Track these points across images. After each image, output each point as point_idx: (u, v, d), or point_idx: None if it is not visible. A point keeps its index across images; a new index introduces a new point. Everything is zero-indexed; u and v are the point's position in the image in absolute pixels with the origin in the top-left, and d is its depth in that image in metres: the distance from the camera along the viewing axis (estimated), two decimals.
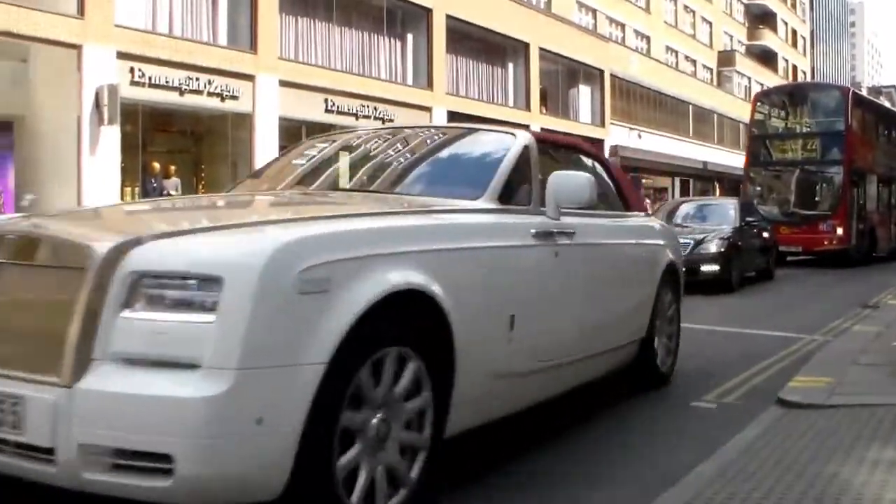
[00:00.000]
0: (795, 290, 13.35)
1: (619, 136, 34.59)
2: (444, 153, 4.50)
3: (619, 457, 3.95)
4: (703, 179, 42.62)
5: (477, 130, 4.81)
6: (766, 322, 8.84)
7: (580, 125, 33.05)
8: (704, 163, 40.91)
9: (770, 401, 4.65)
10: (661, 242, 5.56)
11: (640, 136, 36.22)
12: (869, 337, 6.96)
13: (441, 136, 4.82)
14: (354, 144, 4.85)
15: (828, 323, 8.64)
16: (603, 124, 34.15)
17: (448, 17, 25.38)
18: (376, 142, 4.76)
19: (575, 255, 4.12)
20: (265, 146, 19.10)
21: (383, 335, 2.78)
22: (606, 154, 33.29)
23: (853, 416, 4.19)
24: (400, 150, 4.59)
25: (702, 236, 12.60)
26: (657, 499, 3.04)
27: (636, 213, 5.55)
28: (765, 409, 4.46)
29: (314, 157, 4.81)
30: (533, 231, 3.76)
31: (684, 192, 40.22)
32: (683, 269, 6.10)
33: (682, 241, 12.02)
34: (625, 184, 5.58)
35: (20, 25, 15.03)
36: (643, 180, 36.07)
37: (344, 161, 4.60)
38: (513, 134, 4.22)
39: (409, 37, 25.01)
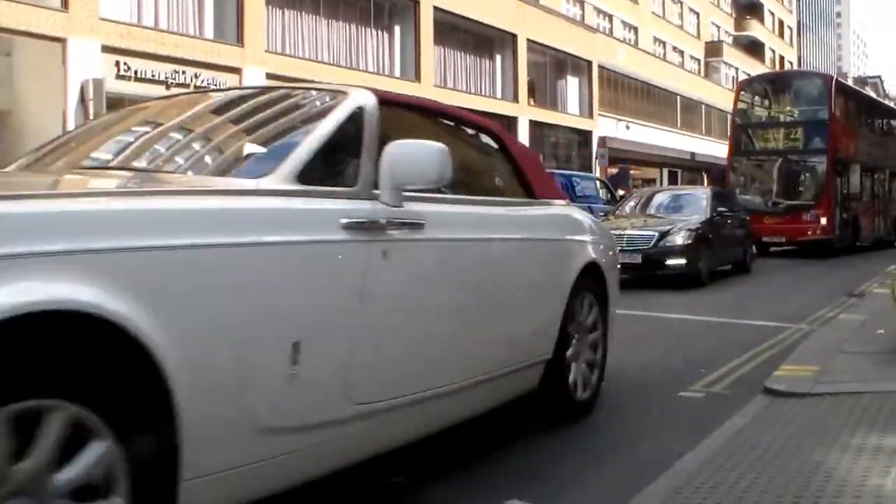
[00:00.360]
0: (772, 283, 13.10)
1: (607, 127, 34.64)
2: (251, 120, 3.31)
3: (607, 447, 3.97)
4: (691, 170, 42.78)
5: (303, 90, 3.72)
6: (752, 312, 8.89)
7: (568, 116, 33.10)
8: (692, 153, 41.07)
9: (757, 390, 4.68)
10: (580, 238, 4.49)
11: (628, 128, 36.31)
12: (854, 325, 7.01)
13: (259, 99, 3.65)
14: (152, 114, 3.73)
15: (813, 312, 8.70)
16: (591, 115, 34.18)
17: (435, 8, 25.35)
18: (177, 109, 3.67)
19: (422, 255, 3.13)
20: None
21: (13, 382, 1.80)
22: (594, 146, 33.41)
23: (839, 404, 4.23)
24: (199, 119, 3.45)
25: (667, 228, 11.91)
26: (645, 489, 3.07)
27: (546, 201, 4.39)
28: (752, 398, 4.49)
29: (101, 129, 3.79)
30: (344, 221, 2.68)
31: (673, 182, 40.35)
32: (618, 268, 5.10)
33: (646, 233, 11.76)
34: (528, 165, 4.40)
35: (3, 19, 14.92)
36: (631, 171, 36.19)
37: (125, 133, 3.51)
38: (343, 93, 3.17)
39: (397, 29, 24.97)
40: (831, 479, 3.06)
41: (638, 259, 11.41)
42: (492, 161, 4.38)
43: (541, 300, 4.06)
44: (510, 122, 28.91)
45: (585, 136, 33.75)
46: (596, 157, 33.32)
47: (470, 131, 4.29)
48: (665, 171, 41.08)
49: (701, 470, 3.21)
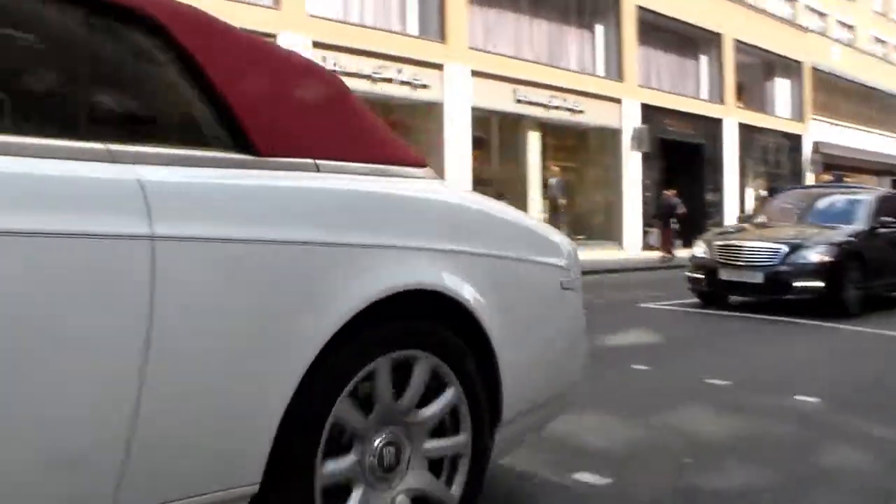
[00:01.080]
0: None
1: (819, 131, 32.09)
2: None
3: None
4: None
5: None
6: None
7: (777, 119, 31.00)
8: None
9: None
10: (386, 242, 2.15)
11: (843, 133, 33.51)
12: None
13: None
14: None
15: None
16: (802, 119, 31.78)
17: (638, 7, 24.25)
18: None
19: None
20: (455, 136, 18.87)
21: None
22: (805, 151, 30.93)
23: None
24: None
25: (800, 241, 9.46)
26: None
27: (297, 161, 2.09)
28: None
29: None
30: None
31: None
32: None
33: (770, 246, 9.43)
34: (238, 81, 2.04)
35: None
36: (847, 180, 33.36)
37: None
38: None
39: (599, 28, 24.08)
40: None
41: (759, 278, 9.30)
42: (122, 75, 1.95)
43: (190, 365, 1.73)
44: (716, 124, 27.23)
45: (795, 140, 31.39)
46: (809, 164, 30.89)
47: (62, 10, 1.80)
48: (886, 180, 37.62)
49: None
